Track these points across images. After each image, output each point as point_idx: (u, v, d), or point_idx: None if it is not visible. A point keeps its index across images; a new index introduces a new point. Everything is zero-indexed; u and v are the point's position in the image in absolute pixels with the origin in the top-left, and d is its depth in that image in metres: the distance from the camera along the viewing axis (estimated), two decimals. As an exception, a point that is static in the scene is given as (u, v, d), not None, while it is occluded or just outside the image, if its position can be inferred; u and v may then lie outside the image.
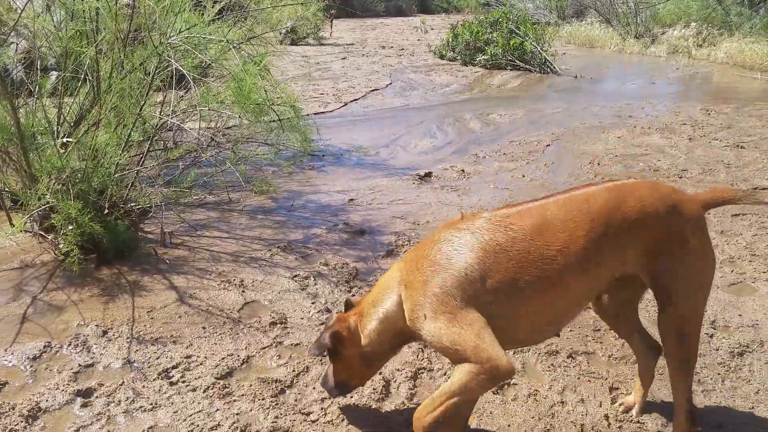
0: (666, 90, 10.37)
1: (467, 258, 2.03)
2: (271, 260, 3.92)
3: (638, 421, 2.52)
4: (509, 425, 2.49)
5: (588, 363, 2.90)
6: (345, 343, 2.27)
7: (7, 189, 4.07)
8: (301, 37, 15.63)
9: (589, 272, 2.06)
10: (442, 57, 13.48)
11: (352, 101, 8.97)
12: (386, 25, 21.99)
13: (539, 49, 11.94)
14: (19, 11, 4.19)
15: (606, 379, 2.78)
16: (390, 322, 2.20)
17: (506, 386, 2.73)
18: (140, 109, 3.56)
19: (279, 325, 3.19)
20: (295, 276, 3.68)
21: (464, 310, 1.99)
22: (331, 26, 17.24)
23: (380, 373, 2.77)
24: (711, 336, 3.11)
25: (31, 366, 2.77)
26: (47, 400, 2.55)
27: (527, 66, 11.82)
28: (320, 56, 13.47)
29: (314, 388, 2.69)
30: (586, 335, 3.11)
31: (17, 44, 5.04)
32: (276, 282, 3.64)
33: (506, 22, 12.37)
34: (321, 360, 2.86)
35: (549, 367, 2.85)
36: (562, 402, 2.61)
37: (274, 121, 5.14)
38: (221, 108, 3.93)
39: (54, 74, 5.10)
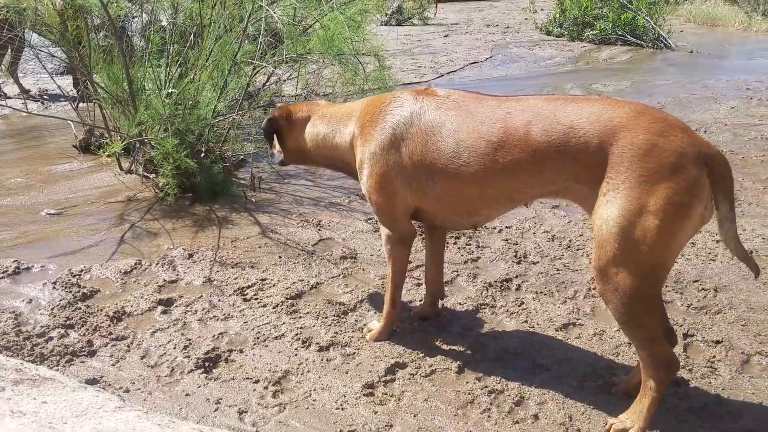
0: (796, 66, 9.35)
1: (402, 130, 2.22)
2: (348, 206, 4.02)
3: (711, 365, 2.35)
4: (569, 359, 2.41)
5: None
6: (283, 128, 2.62)
7: (115, 130, 4.46)
8: (407, 17, 15.70)
9: (505, 179, 2.05)
10: (548, 33, 13.00)
11: (448, 73, 8.91)
12: (494, 6, 21.47)
13: (652, 23, 11.18)
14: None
15: (681, 325, 2.61)
16: (335, 149, 2.51)
17: (571, 326, 2.64)
18: (235, 55, 3.77)
19: (349, 259, 3.29)
20: (370, 219, 3.76)
21: (386, 175, 2.25)
22: (436, 7, 17.14)
23: (442, 305, 2.79)
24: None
25: (121, 279, 3.05)
26: (132, 306, 2.80)
27: (639, 41, 11.10)
28: (423, 35, 13.45)
29: (375, 312, 2.76)
30: (666, 286, 2.92)
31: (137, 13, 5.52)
32: (351, 224, 3.74)
33: (618, -4, 11.67)
34: (382, 288, 2.91)
35: (620, 310, 2.71)
36: (630, 344, 2.47)
37: (362, 84, 5.22)
38: (307, 56, 4.07)
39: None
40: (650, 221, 1.76)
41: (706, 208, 1.82)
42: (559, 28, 12.72)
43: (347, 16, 3.74)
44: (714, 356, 2.45)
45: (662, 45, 10.97)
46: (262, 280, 3.04)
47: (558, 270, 3.18)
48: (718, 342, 2.52)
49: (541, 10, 18.54)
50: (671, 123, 1.86)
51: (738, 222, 3.64)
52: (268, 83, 5.51)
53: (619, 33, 11.28)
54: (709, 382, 2.30)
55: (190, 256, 3.27)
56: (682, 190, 1.76)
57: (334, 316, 2.72)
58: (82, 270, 3.09)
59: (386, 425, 2.09)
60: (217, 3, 4.26)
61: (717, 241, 3.42)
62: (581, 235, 3.57)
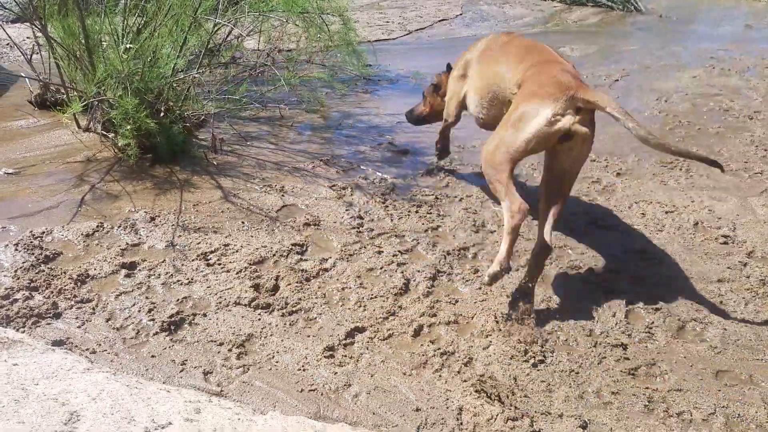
0: (758, 35, 9.50)
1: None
2: (312, 171, 4.05)
3: (648, 331, 2.52)
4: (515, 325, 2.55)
5: (609, 279, 2.89)
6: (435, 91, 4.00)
7: (71, 87, 4.34)
8: (376, -33, 15.33)
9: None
10: (519, -8, 12.90)
11: (417, 30, 8.81)
12: (467, -41, 21.15)
13: (624, -16, 11.17)
14: None
15: (627, 293, 2.77)
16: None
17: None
18: (195, 12, 3.69)
19: (312, 226, 3.34)
20: (334, 186, 3.80)
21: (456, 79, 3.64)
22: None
23: (402, 273, 2.90)
24: (745, 265, 3.03)
25: (84, 241, 3.05)
26: (95, 269, 2.82)
27: (610, 3, 11.12)
28: (393, -14, 13.17)
29: (337, 279, 2.85)
30: (614, 255, 3.09)
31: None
32: (315, 190, 3.77)
33: (591, -45, 11.60)
34: (346, 258, 3.01)
35: (568, 280, 2.86)
36: (576, 309, 2.63)
37: (327, 42, 5.15)
38: (270, 15, 4.00)
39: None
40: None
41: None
42: (531, -13, 12.62)
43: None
44: (653, 322, 2.63)
45: (633, 8, 11.00)
46: (225, 245, 3.08)
47: (514, 237, 3.29)
48: (657, 309, 2.69)
49: (515, -35, 18.25)
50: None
51: (688, 194, 3.84)
52: (229, 38, 5.39)
53: (590, -6, 11.26)
54: (646, 347, 2.47)
55: (152, 219, 3.28)
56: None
57: (296, 282, 2.79)
58: (43, 232, 3.08)
59: (345, 384, 2.21)
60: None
61: (666, 212, 3.59)
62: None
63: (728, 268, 3.04)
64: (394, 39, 8.15)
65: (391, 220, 3.44)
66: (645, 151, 4.51)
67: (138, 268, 2.86)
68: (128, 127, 3.70)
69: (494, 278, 2.49)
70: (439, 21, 9.43)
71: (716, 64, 7.16)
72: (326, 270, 2.93)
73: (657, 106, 5.55)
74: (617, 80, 6.41)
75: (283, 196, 3.67)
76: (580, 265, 3.02)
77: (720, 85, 6.28)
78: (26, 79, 4.78)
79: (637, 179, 4.05)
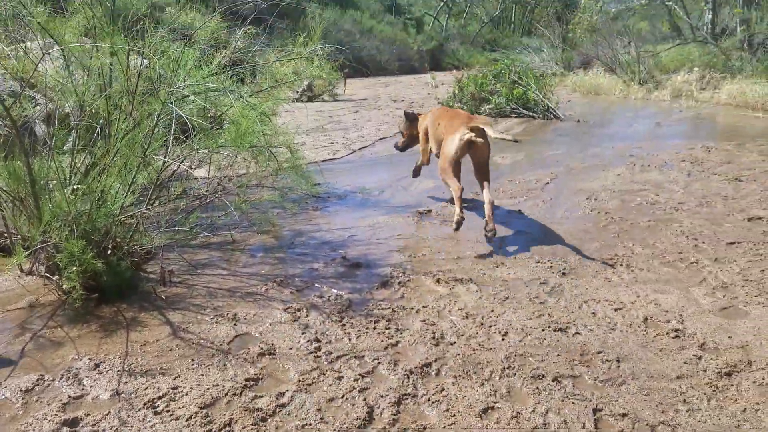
0: (668, 131, 10.45)
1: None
2: (266, 294, 3.98)
3: (619, 440, 2.49)
4: (489, 447, 2.47)
5: (573, 386, 2.87)
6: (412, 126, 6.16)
7: (15, 232, 4.21)
8: (317, 94, 16.22)
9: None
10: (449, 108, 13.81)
11: (360, 148, 9.21)
12: (399, 81, 22.72)
13: (541, 96, 12.20)
14: (41, 71, 4.45)
15: (590, 400, 2.75)
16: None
17: (490, 410, 2.72)
18: (144, 153, 3.72)
19: (267, 356, 3.22)
20: (288, 308, 3.73)
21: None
22: (345, 84, 17.77)
23: (365, 400, 2.80)
24: (699, 358, 3.08)
25: (22, 398, 2.82)
26: (33, 430, 2.59)
27: (531, 113, 12.05)
28: (334, 111, 13.87)
29: (296, 416, 2.71)
30: (573, 359, 3.09)
31: (43, 104, 5.34)
32: (269, 314, 3.68)
33: (509, 74, 12.71)
34: (304, 389, 2.90)
35: (534, 390, 2.83)
36: (545, 424, 2.58)
37: (276, 168, 5.30)
38: (219, 150, 4.09)
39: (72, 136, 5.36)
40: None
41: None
42: (458, 103, 13.55)
43: (259, 111, 3.83)
44: (622, 430, 2.59)
45: (552, 116, 11.94)
46: (174, 388, 2.90)
47: (474, 350, 3.27)
48: (624, 415, 2.67)
49: (442, 84, 19.73)
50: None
51: (632, 288, 3.97)
52: (178, 170, 5.44)
53: (513, 106, 12.20)
54: (620, 458, 2.42)
55: (97, 366, 3.09)
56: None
57: (252, 424, 2.63)
58: (-25, 392, 2.84)
59: None
60: (125, 99, 4.22)
61: (615, 309, 3.68)
62: (492, 311, 3.71)
63: (685, 363, 3.09)
64: (339, 158, 8.48)
65: (350, 340, 3.37)
66: (584, 250, 4.70)
67: (81, 424, 2.63)
68: (74, 269, 3.57)
69: (459, 224, 4.74)
70: (380, 139, 9.93)
71: (636, 161, 7.74)
72: (283, 406, 2.78)
73: (588, 205, 5.86)
74: (548, 183, 6.79)
75: (235, 325, 3.56)
76: (543, 373, 3.01)
77: (643, 180, 6.75)
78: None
79: (582, 278, 4.18)
